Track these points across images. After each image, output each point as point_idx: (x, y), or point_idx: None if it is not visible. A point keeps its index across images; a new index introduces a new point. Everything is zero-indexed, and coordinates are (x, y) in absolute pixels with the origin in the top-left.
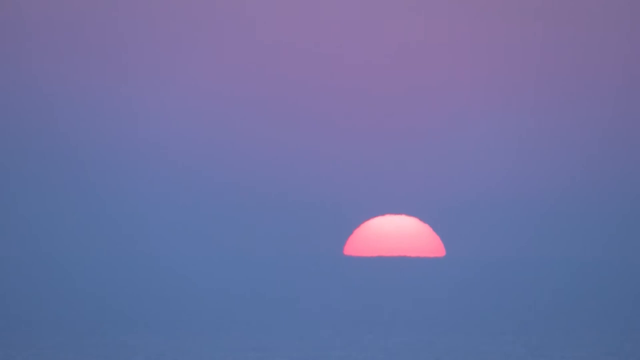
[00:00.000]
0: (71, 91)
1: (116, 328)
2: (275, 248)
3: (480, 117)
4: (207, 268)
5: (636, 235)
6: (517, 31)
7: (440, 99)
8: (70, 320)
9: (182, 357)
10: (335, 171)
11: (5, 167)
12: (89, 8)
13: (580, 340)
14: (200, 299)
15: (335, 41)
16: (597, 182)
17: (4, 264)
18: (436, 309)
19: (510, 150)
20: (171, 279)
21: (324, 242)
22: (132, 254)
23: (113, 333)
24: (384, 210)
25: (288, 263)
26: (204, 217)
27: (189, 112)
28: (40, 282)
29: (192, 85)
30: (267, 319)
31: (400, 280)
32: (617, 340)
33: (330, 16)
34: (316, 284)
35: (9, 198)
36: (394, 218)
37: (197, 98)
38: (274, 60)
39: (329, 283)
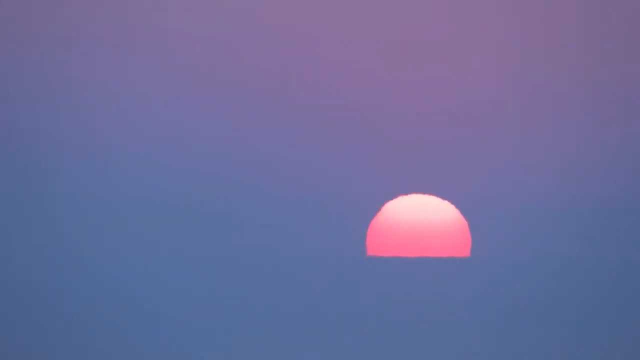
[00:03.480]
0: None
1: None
2: (281, 253)
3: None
4: (206, 271)
5: None
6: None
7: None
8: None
9: None
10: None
11: None
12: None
13: (619, 347)
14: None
15: (356, 15)
16: None
17: None
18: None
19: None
20: (178, 283)
21: (343, 239)
22: (139, 256)
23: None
24: (398, 192)
25: (303, 271)
26: (204, 219)
27: (193, 109)
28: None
29: (193, 78)
30: (285, 332)
31: (423, 286)
32: None
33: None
34: (342, 298)
35: None
36: (411, 201)
37: (201, 93)
38: (277, 49)
39: (355, 294)
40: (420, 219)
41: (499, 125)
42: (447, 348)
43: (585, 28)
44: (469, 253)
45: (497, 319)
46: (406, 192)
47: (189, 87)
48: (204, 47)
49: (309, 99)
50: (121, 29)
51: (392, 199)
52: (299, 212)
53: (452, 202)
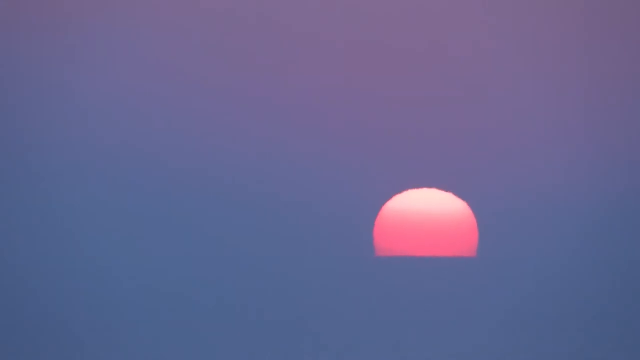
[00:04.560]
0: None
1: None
2: (291, 256)
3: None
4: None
5: None
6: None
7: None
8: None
9: None
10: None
11: None
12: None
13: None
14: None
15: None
16: None
17: None
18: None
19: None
20: (187, 285)
21: (352, 240)
22: (146, 257)
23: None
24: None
25: (314, 273)
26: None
27: (198, 111)
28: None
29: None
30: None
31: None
32: None
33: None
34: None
35: None
36: (418, 195)
37: (204, 95)
38: (281, 48)
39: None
40: (428, 215)
41: (517, 126)
42: (456, 350)
43: (609, 21)
44: (475, 253)
45: (505, 319)
46: (417, 186)
47: (193, 90)
48: (207, 49)
49: (313, 102)
50: (116, 28)
51: (399, 192)
52: (306, 215)
53: (465, 200)
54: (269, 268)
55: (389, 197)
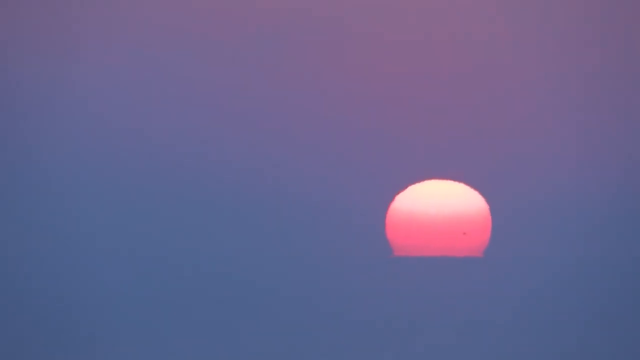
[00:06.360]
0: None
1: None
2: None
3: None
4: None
5: None
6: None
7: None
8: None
9: None
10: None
11: None
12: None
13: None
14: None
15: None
16: None
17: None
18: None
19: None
20: (195, 287)
21: (363, 239)
22: (152, 257)
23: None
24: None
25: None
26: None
27: (201, 107)
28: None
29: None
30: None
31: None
32: None
33: None
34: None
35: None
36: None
37: (211, 90)
38: (283, 42)
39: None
40: (442, 210)
41: (537, 120)
42: (467, 353)
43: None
44: (482, 253)
45: (528, 321)
46: (433, 177)
47: (194, 85)
48: (206, 45)
49: (319, 98)
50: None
51: (409, 185)
52: (311, 214)
53: (479, 192)
54: (281, 273)
55: (399, 190)
